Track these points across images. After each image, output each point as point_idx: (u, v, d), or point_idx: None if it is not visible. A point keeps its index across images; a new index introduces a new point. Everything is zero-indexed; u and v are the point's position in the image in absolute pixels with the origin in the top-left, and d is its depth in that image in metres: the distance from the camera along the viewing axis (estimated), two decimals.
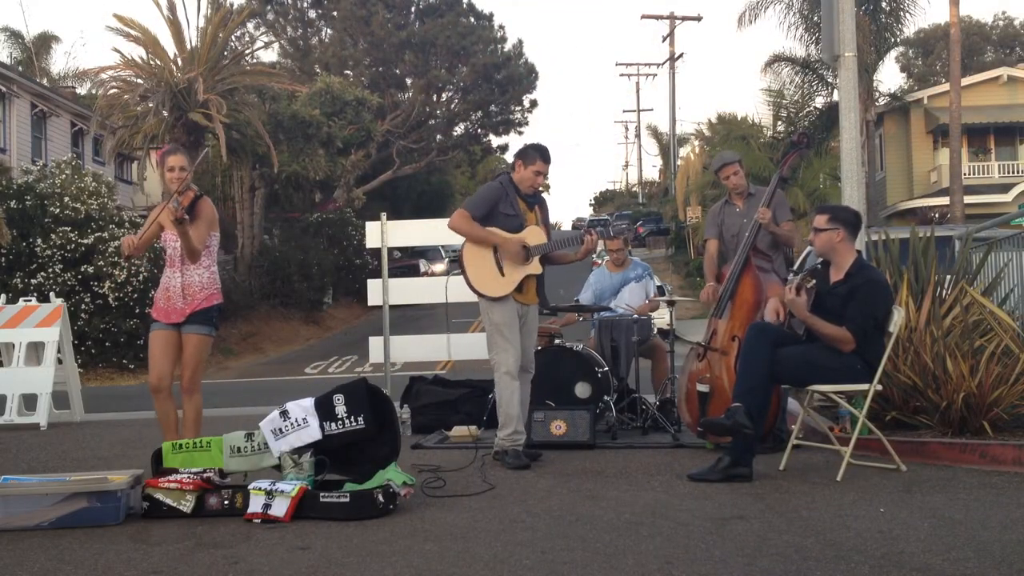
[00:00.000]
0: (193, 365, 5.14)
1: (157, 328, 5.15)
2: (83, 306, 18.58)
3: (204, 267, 5.14)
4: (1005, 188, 28.08)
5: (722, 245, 6.11)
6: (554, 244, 5.39)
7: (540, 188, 5.49)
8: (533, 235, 5.35)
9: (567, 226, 67.27)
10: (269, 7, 37.80)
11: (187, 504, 4.13)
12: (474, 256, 5.34)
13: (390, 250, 7.39)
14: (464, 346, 7.26)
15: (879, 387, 4.83)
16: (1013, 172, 29.57)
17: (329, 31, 38.77)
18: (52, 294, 9.37)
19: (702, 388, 5.55)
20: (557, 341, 6.78)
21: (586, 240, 5.35)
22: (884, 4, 23.85)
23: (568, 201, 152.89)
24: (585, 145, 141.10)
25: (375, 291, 7.38)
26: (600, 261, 7.41)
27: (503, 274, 5.30)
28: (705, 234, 6.33)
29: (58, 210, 19.09)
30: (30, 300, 8.77)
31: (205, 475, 4.23)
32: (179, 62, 22.76)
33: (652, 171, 68.96)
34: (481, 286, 5.31)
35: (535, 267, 5.33)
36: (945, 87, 26.35)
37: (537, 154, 5.39)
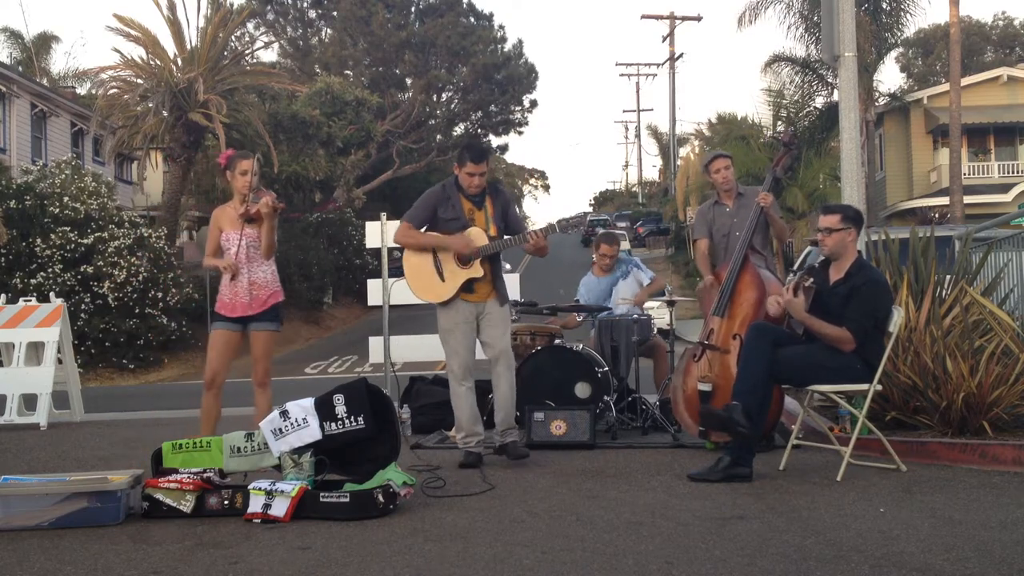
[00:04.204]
0: (264, 359, 5.38)
1: (221, 326, 5.36)
2: (83, 306, 18.60)
3: (267, 265, 5.39)
4: (1005, 188, 28.08)
5: (712, 245, 6.11)
6: (496, 245, 5.27)
7: (477, 187, 5.31)
8: (474, 238, 5.26)
9: None
10: (269, 7, 37.85)
11: (187, 504, 4.13)
12: (413, 263, 5.35)
13: (390, 250, 7.40)
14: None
15: (879, 387, 4.83)
16: (1013, 172, 29.57)
17: (329, 31, 38.84)
18: (52, 294, 9.37)
19: (704, 387, 5.54)
20: (557, 341, 6.77)
21: (530, 238, 5.23)
22: (884, 4, 23.84)
23: (568, 201, 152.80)
24: (585, 145, 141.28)
25: (375, 291, 7.39)
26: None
27: (443, 279, 5.29)
28: (694, 234, 6.30)
29: (58, 210, 19.10)
30: (30, 300, 8.77)
31: (205, 475, 4.23)
32: (179, 62, 22.78)
33: (652, 171, 69.11)
34: (422, 292, 5.34)
35: (475, 270, 5.24)
36: (945, 87, 26.35)
37: (467, 155, 5.33)
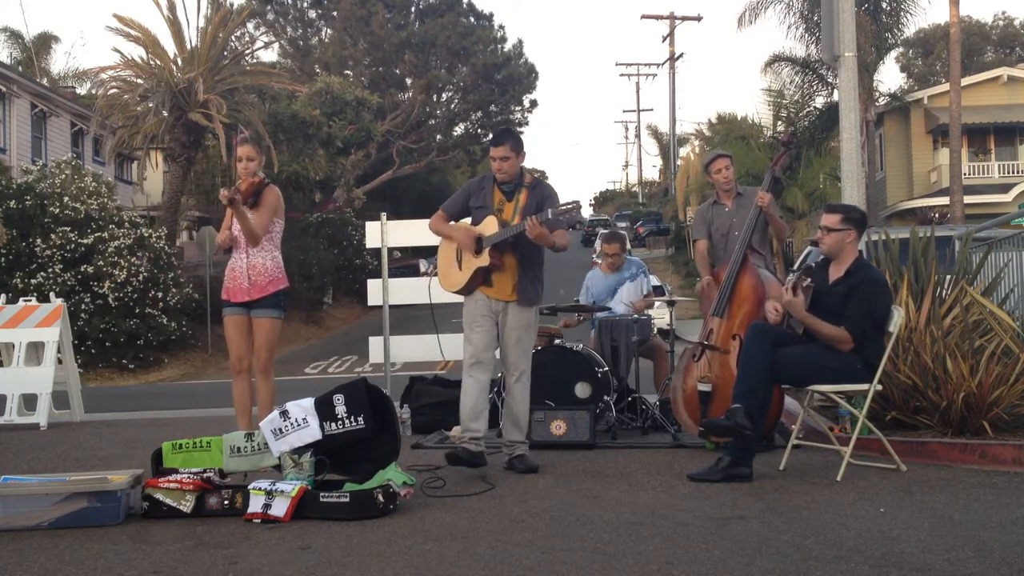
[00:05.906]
0: (266, 348, 5.48)
1: (229, 312, 5.50)
2: (83, 306, 18.59)
3: (267, 252, 5.49)
4: (1005, 188, 28.08)
5: (711, 245, 6.11)
6: (500, 234, 5.08)
7: (502, 172, 5.16)
8: (487, 226, 5.15)
9: None
10: (269, 7, 37.83)
11: (187, 504, 4.13)
12: (441, 252, 5.40)
13: (390, 250, 7.40)
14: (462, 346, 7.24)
15: (879, 387, 4.83)
16: (1013, 172, 29.57)
17: (329, 31, 38.82)
18: (52, 294, 9.37)
19: (704, 387, 5.54)
20: (557, 341, 6.77)
21: (527, 225, 4.90)
22: (884, 4, 23.84)
23: (568, 201, 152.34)
24: (585, 145, 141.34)
25: (375, 291, 7.38)
26: (600, 261, 7.40)
27: (460, 268, 5.25)
28: (693, 234, 6.32)
29: (58, 210, 19.10)
30: (30, 300, 8.76)
31: (205, 475, 4.23)
32: (179, 62, 22.79)
33: (652, 171, 69.14)
34: (442, 280, 5.38)
35: (482, 259, 5.10)
36: (945, 87, 26.35)
37: (491, 141, 5.36)
